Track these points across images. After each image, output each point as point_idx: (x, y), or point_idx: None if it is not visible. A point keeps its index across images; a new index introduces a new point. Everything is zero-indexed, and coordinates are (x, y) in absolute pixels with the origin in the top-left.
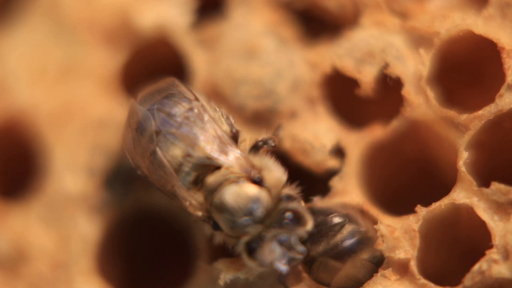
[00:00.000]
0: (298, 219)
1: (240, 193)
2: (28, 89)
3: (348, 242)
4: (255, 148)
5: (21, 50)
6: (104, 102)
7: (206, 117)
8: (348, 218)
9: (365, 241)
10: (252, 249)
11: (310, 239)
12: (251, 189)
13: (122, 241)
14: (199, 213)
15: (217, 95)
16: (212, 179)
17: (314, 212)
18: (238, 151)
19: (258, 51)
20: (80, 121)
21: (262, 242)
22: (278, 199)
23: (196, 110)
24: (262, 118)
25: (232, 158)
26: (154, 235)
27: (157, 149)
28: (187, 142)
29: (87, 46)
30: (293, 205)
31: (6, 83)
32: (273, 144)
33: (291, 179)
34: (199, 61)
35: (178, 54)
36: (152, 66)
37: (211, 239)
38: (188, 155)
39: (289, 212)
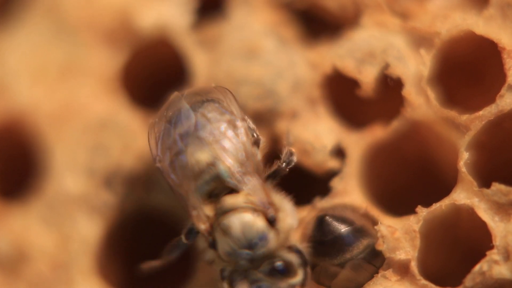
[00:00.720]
0: (287, 271)
1: (251, 225)
2: (28, 89)
3: (362, 255)
4: (277, 172)
5: (21, 50)
6: (104, 102)
7: (244, 139)
8: (364, 232)
9: (376, 252)
10: (233, 280)
11: (324, 249)
12: (262, 226)
13: (123, 241)
14: (203, 226)
15: None
16: (230, 200)
17: (331, 219)
18: (262, 182)
19: (258, 51)
20: (80, 121)
21: (245, 279)
22: (282, 246)
23: (239, 130)
24: (263, 118)
25: (254, 187)
26: (154, 235)
27: (186, 148)
28: (216, 153)
29: (88, 46)
30: (290, 256)
31: (7, 83)
32: (294, 161)
33: (292, 180)
34: (200, 61)
35: (178, 55)
36: (153, 67)
37: (201, 253)
38: (213, 164)
39: (281, 262)
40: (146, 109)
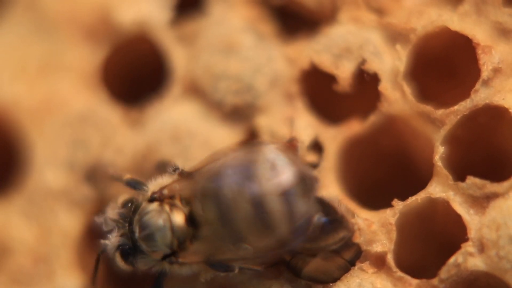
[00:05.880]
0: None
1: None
2: (9, 85)
3: (336, 246)
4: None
5: (1, 45)
6: (84, 97)
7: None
8: (343, 224)
9: (348, 245)
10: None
11: None
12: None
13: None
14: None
15: (196, 91)
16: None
17: (319, 200)
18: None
19: (237, 46)
20: (61, 116)
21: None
22: None
23: None
24: (241, 113)
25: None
26: None
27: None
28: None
29: (68, 42)
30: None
31: None
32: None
33: None
34: (179, 57)
35: (157, 50)
36: (133, 62)
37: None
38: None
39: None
40: (126, 104)
